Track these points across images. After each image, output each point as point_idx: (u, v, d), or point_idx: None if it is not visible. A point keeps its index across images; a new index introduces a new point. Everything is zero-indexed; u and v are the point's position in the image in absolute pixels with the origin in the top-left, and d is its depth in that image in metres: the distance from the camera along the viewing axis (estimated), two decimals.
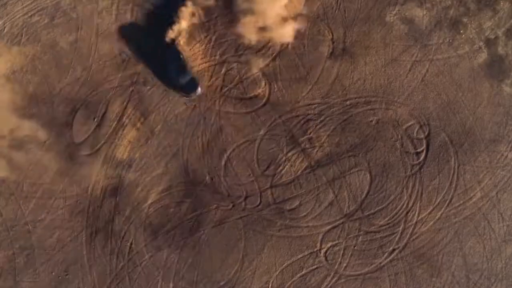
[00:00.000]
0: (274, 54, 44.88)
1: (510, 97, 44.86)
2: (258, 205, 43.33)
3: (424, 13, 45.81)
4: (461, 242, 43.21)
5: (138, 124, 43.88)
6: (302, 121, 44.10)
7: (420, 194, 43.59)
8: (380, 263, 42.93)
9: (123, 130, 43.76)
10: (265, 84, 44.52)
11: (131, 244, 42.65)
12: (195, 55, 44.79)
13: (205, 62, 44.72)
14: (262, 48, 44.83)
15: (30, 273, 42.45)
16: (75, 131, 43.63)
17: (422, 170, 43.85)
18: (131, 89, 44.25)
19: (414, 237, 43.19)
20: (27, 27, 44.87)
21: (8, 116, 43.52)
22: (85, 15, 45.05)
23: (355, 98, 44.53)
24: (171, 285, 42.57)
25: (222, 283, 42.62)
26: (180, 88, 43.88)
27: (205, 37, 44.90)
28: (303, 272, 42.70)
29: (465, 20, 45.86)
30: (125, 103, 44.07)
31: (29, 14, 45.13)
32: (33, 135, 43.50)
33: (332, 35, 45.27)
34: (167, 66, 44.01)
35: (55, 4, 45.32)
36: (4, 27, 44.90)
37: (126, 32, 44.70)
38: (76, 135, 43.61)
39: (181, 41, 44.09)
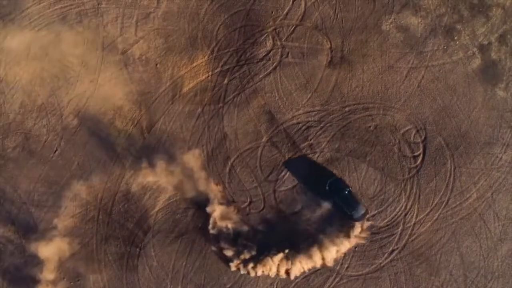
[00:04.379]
0: (275, 64, 45.62)
1: (503, 100, 45.36)
2: (262, 210, 43.84)
3: (419, 21, 46.38)
4: (458, 242, 43.53)
5: (145, 134, 44.60)
6: (302, 128, 44.74)
7: (418, 196, 43.99)
8: (380, 263, 43.29)
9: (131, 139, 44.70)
10: (267, 93, 45.33)
11: (140, 249, 43.22)
12: (198, 66, 45.48)
13: (208, 72, 45.44)
14: (263, 58, 45.65)
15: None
16: None
17: (419, 173, 44.27)
18: (137, 98, 44.98)
19: (412, 237, 43.50)
20: (35, 42, 45.47)
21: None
22: (91, 29, 45.86)
23: (354, 104, 45.14)
24: None
25: (228, 285, 43.14)
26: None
27: (208, 48, 45.64)
28: (306, 274, 42.94)
29: (459, 27, 46.42)
30: (132, 113, 44.80)
31: (37, 29, 45.81)
32: (43, 145, 44.31)
33: (330, 44, 45.95)
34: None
35: (61, 18, 46.05)
36: (12, 42, 45.50)
37: None
38: None
39: None
